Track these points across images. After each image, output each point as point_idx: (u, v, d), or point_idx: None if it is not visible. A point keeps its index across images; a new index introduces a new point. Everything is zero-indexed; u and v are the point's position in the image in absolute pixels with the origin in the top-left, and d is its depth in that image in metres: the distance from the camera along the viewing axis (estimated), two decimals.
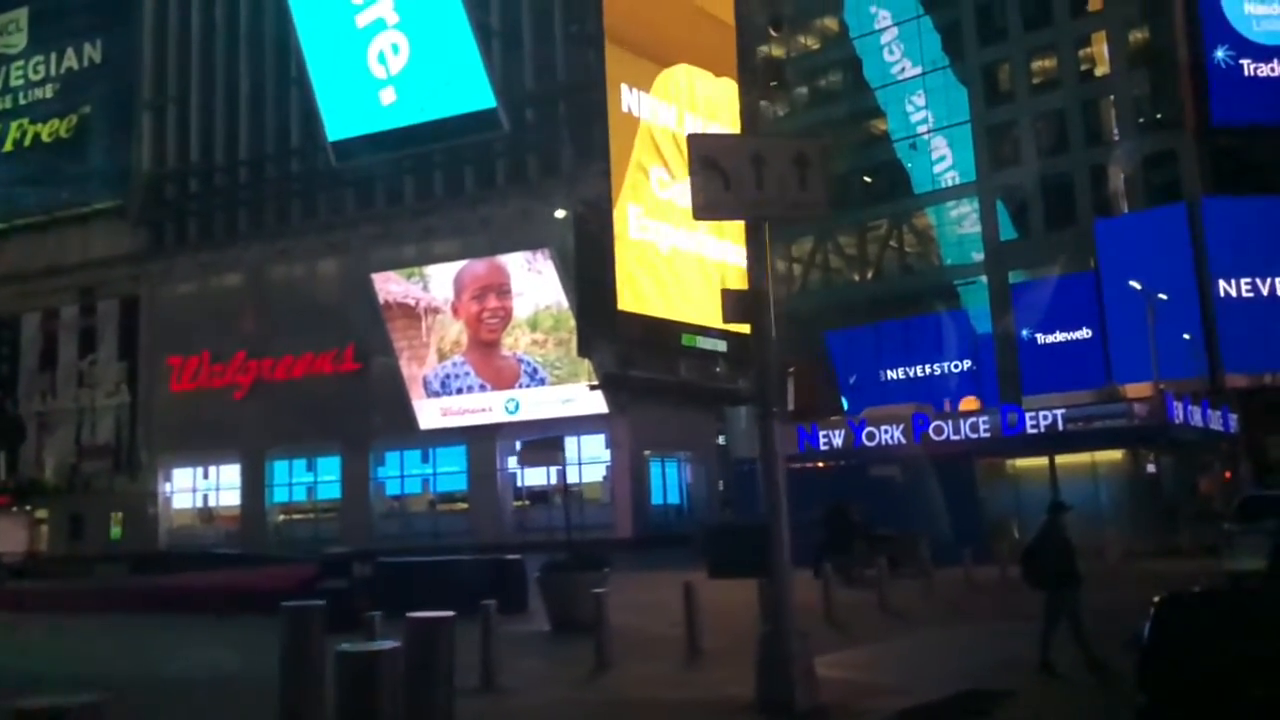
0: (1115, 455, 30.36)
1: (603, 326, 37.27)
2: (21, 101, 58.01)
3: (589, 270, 37.83)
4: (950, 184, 57.38)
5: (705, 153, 9.88)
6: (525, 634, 15.46)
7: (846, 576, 22.27)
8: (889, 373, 57.81)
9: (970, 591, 19.18)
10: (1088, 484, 29.26)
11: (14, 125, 57.74)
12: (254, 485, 46.67)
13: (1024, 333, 51.65)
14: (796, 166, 10.05)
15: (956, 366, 56.23)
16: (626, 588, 21.68)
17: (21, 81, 58.14)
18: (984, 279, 55.00)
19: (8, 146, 57.86)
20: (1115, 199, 51.30)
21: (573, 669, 12.13)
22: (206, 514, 48.79)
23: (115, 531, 49.07)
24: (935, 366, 56.62)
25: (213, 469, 48.42)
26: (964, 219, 57.38)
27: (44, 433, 53.55)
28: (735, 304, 10.25)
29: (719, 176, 9.78)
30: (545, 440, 20.91)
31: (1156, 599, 6.26)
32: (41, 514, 52.19)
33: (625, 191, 38.52)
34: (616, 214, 38.24)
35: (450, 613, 8.13)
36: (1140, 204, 49.82)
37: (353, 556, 17.85)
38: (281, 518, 47.11)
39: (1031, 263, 53.05)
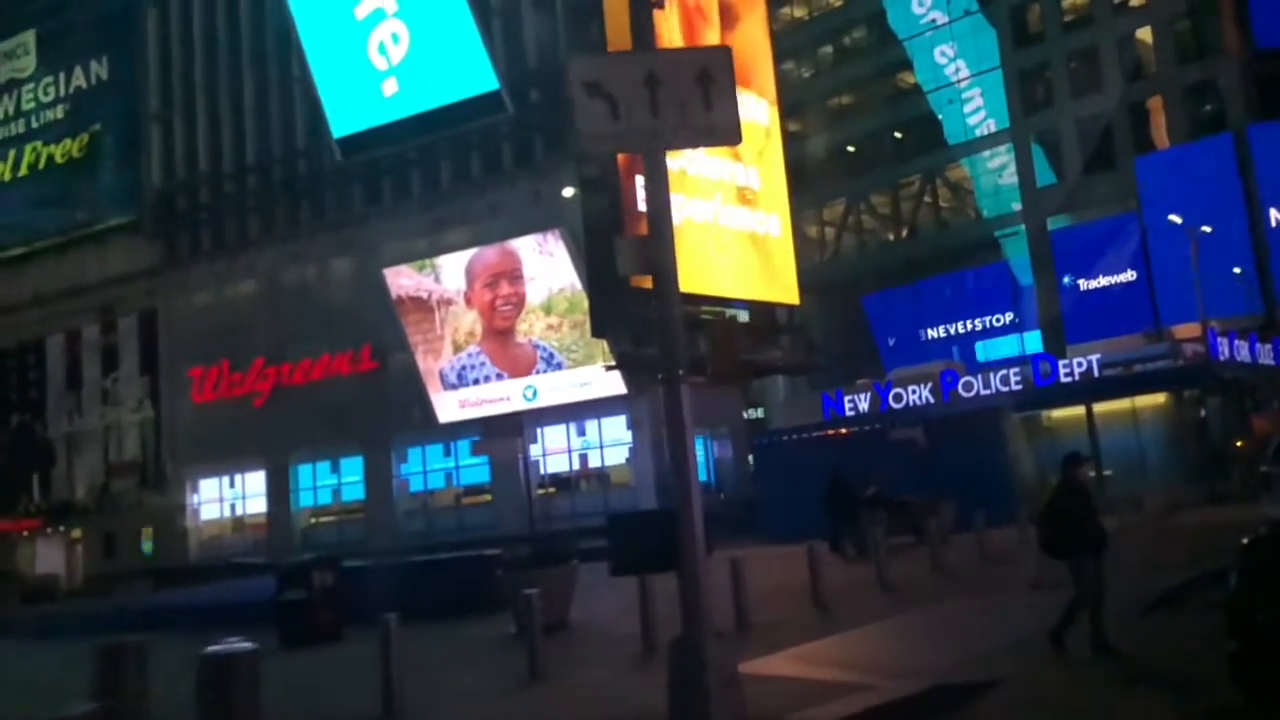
0: (1158, 399, 28.40)
1: (616, 305, 35.82)
2: (34, 125, 57.99)
3: (598, 248, 36.37)
4: (986, 133, 54.99)
5: (587, 76, 8.32)
6: (485, 638, 14.18)
7: (858, 549, 20.83)
8: (929, 332, 55.84)
9: (984, 560, 17.49)
10: (1129, 432, 27.36)
11: (28, 149, 57.75)
12: (279, 491, 46.14)
13: (1065, 280, 49.34)
14: (700, 85, 8.47)
15: (999, 320, 54.13)
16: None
17: (33, 104, 58.10)
18: (1023, 228, 52.74)
19: (23, 170, 57.90)
20: (1156, 134, 48.77)
21: (505, 682, 10.83)
22: (239, 523, 48.38)
23: (147, 547, 48.89)
24: (977, 322, 54.55)
25: (238, 477, 47.98)
26: (1004, 169, 54.94)
27: (73, 453, 53.61)
28: (632, 252, 8.76)
29: (605, 103, 8.24)
30: (503, 427, 19.58)
31: (1245, 541, 5.97)
32: (76, 534, 52.28)
33: (632, 164, 36.95)
34: (624, 187, 36.68)
35: (249, 645, 6.79)
36: (1183, 137, 47.28)
37: (312, 565, 16.70)
38: (311, 521, 46.49)
39: (1071, 207, 50.71)
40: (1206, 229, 39.64)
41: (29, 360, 55.84)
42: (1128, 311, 45.70)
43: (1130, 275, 47.41)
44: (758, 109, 41.25)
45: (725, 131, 8.67)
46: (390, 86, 44.63)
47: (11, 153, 58.36)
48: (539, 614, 10.78)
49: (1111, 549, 10.73)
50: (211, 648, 6.77)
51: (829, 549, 22.71)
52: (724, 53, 8.82)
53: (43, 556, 51.76)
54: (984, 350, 50.26)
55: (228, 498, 48.79)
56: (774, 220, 42.02)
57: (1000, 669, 9.58)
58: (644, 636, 11.69)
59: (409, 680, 10.92)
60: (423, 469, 43.77)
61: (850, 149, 60.86)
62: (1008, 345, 51.66)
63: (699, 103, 8.40)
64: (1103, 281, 48.21)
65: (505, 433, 17.78)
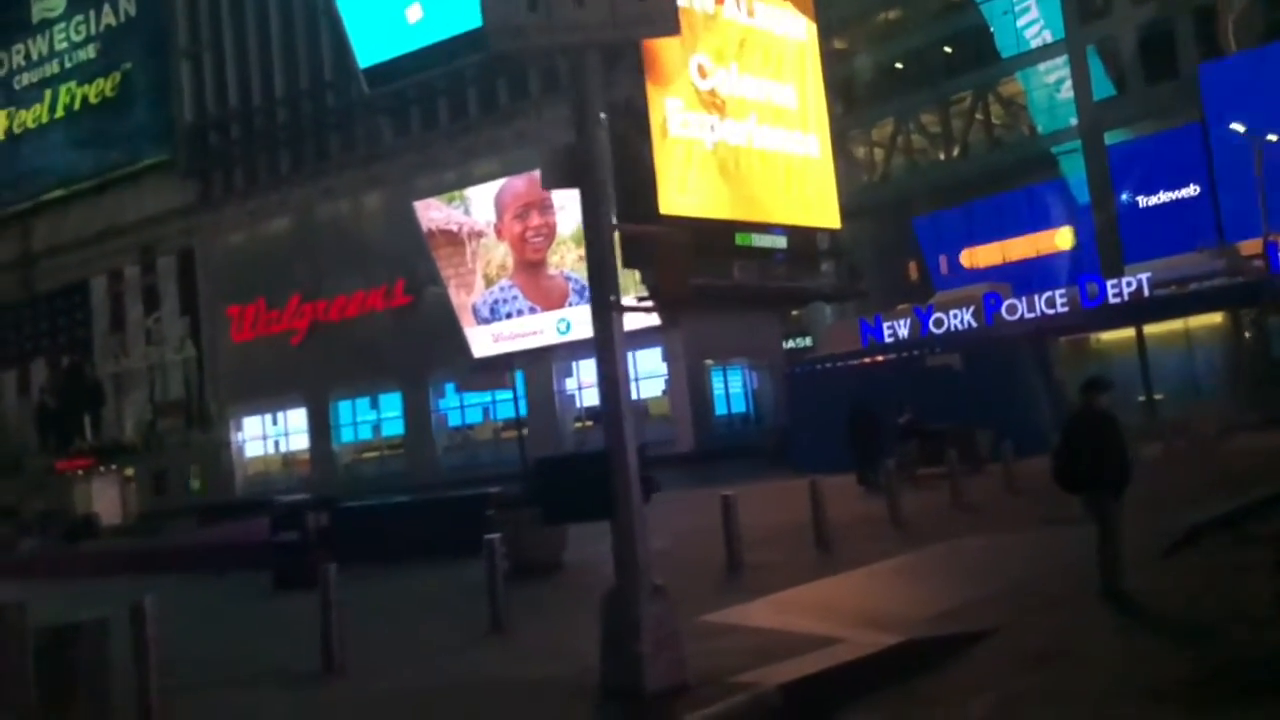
0: (1214, 319, 26.79)
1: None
2: (67, 65, 57.91)
3: (626, 175, 35.16)
4: (1041, 44, 52.38)
5: None
6: (469, 581, 13.44)
7: (874, 486, 19.89)
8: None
9: (1010, 493, 16.43)
10: (1182, 354, 25.88)
11: (63, 90, 57.72)
12: (320, 427, 46.26)
13: (1124, 197, 47.12)
14: None
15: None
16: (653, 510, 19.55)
17: (65, 44, 57.91)
18: (1080, 143, 50.39)
19: (59, 112, 57.90)
20: (1223, 40, 45.98)
21: (465, 632, 10.16)
22: (284, 459, 48.65)
23: (195, 484, 49.45)
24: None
25: (280, 415, 48.19)
26: (1060, 83, 52.36)
27: (120, 393, 54.28)
28: (557, 163, 7.83)
29: None
30: (491, 363, 18.80)
31: None
32: (129, 472, 53.10)
33: (661, 85, 35.52)
34: (653, 110, 35.27)
35: (97, 617, 6.03)
36: (1252, 42, 44.54)
37: (306, 505, 16.20)
38: (354, 457, 46.58)
39: (1131, 120, 48.26)
40: (1273, 137, 37.37)
41: (75, 300, 56.39)
42: (1190, 228, 43.45)
43: (1193, 190, 45.14)
44: (795, 23, 39.55)
45: (661, 20, 7.70)
46: (415, 13, 43.49)
47: (47, 94, 58.40)
48: (501, 560, 10.07)
49: (1135, 481, 9.65)
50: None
51: (856, 480, 21.83)
52: None
53: (98, 494, 52.74)
54: (1038, 271, 48.34)
55: (271, 435, 49.10)
56: (813, 141, 40.06)
57: (995, 616, 8.67)
58: None
59: (371, 627, 10.40)
60: (460, 404, 43.44)
61: (898, 66, 58.47)
62: (1063, 266, 49.73)
63: None
64: (1163, 197, 45.99)
65: (493, 369, 17.05)
